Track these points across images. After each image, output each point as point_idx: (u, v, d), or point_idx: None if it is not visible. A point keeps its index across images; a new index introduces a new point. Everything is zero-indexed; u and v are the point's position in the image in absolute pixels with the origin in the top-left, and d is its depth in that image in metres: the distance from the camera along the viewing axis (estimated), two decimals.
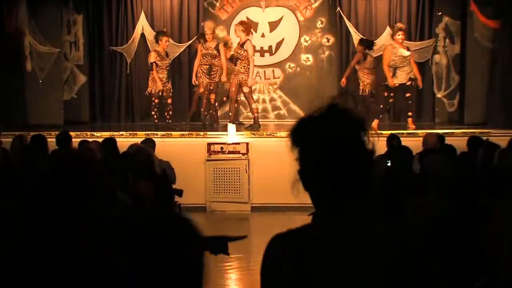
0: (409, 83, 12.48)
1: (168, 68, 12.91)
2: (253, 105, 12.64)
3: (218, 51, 12.66)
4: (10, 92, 13.01)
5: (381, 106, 12.69)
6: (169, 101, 12.94)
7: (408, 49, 12.53)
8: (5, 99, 12.87)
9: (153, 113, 12.85)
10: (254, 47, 12.69)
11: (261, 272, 1.89)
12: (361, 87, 12.99)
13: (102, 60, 14.67)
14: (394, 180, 6.20)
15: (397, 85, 12.44)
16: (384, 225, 1.91)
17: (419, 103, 14.03)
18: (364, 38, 13.64)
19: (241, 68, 12.32)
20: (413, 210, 4.73)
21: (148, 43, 14.32)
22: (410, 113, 12.64)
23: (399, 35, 12.46)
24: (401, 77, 12.39)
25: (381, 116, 12.69)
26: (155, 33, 13.55)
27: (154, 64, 12.71)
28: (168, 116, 12.87)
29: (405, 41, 13.64)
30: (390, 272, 1.82)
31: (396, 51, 12.37)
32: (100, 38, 14.63)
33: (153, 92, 12.74)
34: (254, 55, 12.70)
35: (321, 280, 1.73)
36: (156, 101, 12.82)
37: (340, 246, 1.81)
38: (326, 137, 1.91)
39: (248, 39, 12.40)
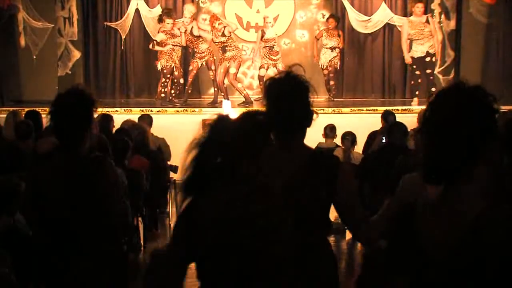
0: (428, 58, 12.42)
1: (179, 46, 12.81)
2: (238, 85, 12.90)
3: (195, 35, 12.63)
4: (3, 68, 12.96)
5: (412, 82, 12.69)
6: (182, 80, 12.91)
7: (427, 21, 12.51)
8: None
9: (161, 88, 12.78)
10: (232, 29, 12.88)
11: None
12: (329, 62, 13.13)
13: (97, 36, 14.59)
14: (389, 156, 6.22)
15: (410, 61, 12.46)
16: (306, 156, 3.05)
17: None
18: (334, 14, 13.76)
19: (230, 53, 12.44)
20: (405, 185, 4.73)
21: (142, 19, 14.23)
22: (433, 89, 12.44)
23: (417, 7, 12.44)
24: (419, 51, 12.35)
25: (417, 92, 12.67)
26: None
27: (154, 41, 12.72)
28: (173, 94, 12.85)
29: (400, 17, 13.63)
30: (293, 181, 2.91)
31: (412, 24, 12.37)
32: (95, 14, 14.54)
33: (166, 67, 12.65)
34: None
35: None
36: (169, 77, 12.72)
37: (274, 157, 2.82)
38: (278, 94, 3.00)
39: (226, 25, 12.64)
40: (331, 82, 13.40)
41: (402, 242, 2.31)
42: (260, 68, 13.09)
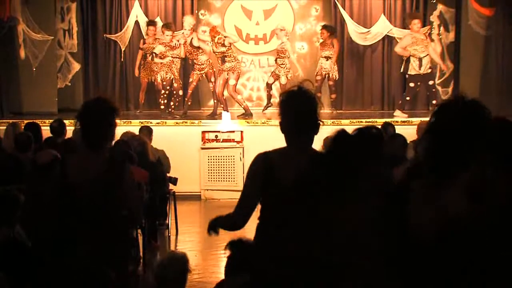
0: (429, 70, 12.46)
1: (179, 58, 12.87)
2: (238, 97, 12.90)
3: (195, 46, 12.65)
4: (3, 80, 12.98)
5: (408, 98, 12.67)
6: (181, 92, 12.92)
7: (425, 36, 12.59)
8: None
9: (160, 100, 12.84)
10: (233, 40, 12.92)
11: (248, 169, 3.72)
12: (325, 73, 13.18)
13: (96, 48, 14.62)
14: (388, 168, 6.20)
15: (422, 74, 12.43)
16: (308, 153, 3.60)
17: None
18: (328, 24, 13.78)
19: (229, 64, 12.46)
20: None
21: (142, 31, 14.26)
22: (434, 102, 12.31)
23: (414, 24, 12.47)
24: (426, 66, 12.37)
25: (405, 107, 12.76)
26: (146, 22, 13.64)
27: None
28: (172, 106, 12.89)
29: (399, 29, 13.67)
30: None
31: (416, 40, 12.37)
32: (94, 26, 14.57)
33: (165, 79, 12.71)
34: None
35: (277, 169, 3.57)
36: (169, 89, 12.79)
37: (287, 155, 3.61)
38: (290, 105, 3.60)
39: (226, 36, 12.65)
40: (333, 96, 13.50)
41: (394, 225, 2.75)
42: (270, 75, 13.32)
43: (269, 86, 13.18)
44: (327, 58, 13.25)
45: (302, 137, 3.62)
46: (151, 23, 13.34)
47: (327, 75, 13.28)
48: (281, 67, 12.85)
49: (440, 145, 2.70)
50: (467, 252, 2.50)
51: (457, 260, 2.52)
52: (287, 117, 3.59)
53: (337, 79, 13.46)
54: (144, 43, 13.26)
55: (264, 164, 3.61)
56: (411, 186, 2.83)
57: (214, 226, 3.80)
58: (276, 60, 13.08)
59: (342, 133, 3.16)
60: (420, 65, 12.40)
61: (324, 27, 13.56)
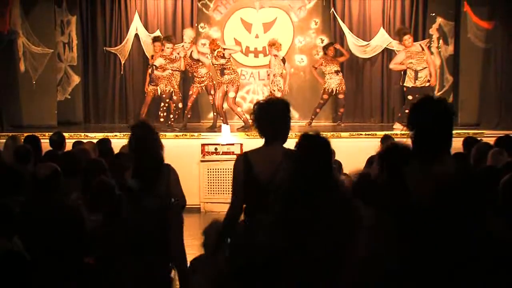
0: (427, 84, 12.44)
1: (179, 71, 12.89)
2: (238, 109, 12.87)
3: (195, 59, 12.66)
4: (3, 93, 12.98)
5: (407, 111, 12.63)
6: (180, 105, 12.94)
7: (423, 48, 12.59)
8: None
9: (160, 113, 12.85)
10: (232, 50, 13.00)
11: (232, 169, 4.44)
12: (331, 88, 13.15)
13: (96, 60, 14.64)
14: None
15: (419, 87, 12.40)
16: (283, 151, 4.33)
17: None
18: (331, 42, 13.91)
19: (228, 77, 12.44)
20: None
21: (142, 44, 14.29)
22: None
23: (405, 40, 12.46)
24: (422, 80, 12.35)
25: (405, 120, 12.76)
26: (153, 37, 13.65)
27: (154, 66, 12.81)
28: (172, 119, 12.96)
29: (398, 42, 13.71)
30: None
31: (411, 54, 12.36)
32: (94, 39, 14.60)
33: (165, 92, 12.74)
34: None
35: (255, 167, 4.31)
36: (168, 102, 12.84)
37: (264, 154, 4.37)
38: (266, 113, 4.39)
39: (225, 48, 12.71)
40: (341, 110, 13.53)
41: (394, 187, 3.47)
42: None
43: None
44: (338, 72, 13.28)
45: (277, 138, 4.37)
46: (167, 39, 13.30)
47: (334, 91, 13.26)
48: (274, 84, 12.84)
49: (419, 135, 3.49)
50: (463, 204, 3.17)
51: (455, 213, 3.16)
52: (264, 122, 4.37)
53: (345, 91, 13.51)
54: (152, 58, 13.25)
55: (244, 163, 4.33)
56: (405, 170, 3.50)
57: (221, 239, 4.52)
58: (268, 75, 13.12)
59: (305, 136, 3.81)
60: (416, 78, 12.39)
61: (331, 44, 13.60)
